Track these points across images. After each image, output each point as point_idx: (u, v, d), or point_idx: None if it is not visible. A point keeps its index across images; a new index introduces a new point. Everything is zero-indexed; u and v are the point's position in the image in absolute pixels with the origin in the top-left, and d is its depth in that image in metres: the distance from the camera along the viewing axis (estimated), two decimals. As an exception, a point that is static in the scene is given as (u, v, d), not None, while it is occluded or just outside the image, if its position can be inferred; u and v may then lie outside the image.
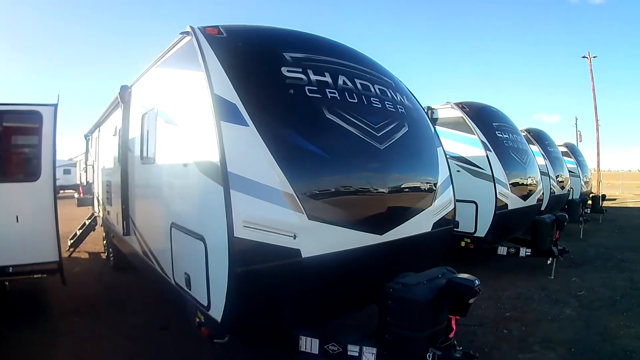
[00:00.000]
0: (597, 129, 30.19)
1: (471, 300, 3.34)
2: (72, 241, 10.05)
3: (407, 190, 4.29)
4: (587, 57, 29.99)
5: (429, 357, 3.25)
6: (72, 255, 9.68)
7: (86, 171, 12.33)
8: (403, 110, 4.50)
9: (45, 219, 5.83)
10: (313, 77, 3.77)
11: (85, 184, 12.25)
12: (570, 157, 17.10)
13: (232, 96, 3.35)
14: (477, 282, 3.32)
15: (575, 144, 22.82)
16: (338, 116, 3.72)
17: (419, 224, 4.36)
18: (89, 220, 10.75)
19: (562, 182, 13.87)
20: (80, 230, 10.50)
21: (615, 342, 5.04)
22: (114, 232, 7.64)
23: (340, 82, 3.94)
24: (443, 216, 4.73)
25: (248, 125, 3.29)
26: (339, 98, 3.83)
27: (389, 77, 4.77)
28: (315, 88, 3.73)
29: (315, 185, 3.52)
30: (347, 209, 3.67)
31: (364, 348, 3.50)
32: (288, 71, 3.68)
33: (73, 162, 23.98)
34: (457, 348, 3.45)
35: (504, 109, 9.35)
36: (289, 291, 3.52)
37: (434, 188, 4.62)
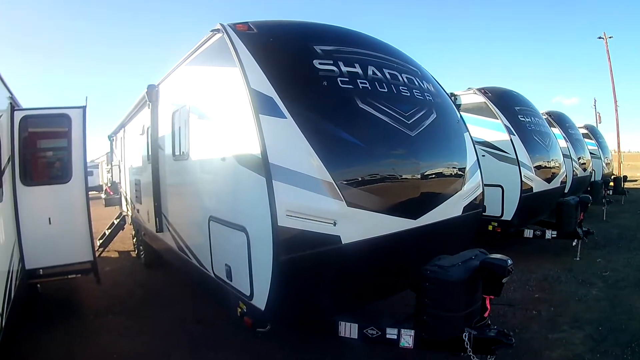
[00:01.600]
0: (616, 110, 29.69)
1: (504, 280, 3.40)
2: (101, 241, 10.19)
3: (438, 175, 4.34)
4: (602, 38, 29.42)
5: (465, 336, 3.33)
6: (102, 255, 9.81)
7: (112, 171, 12.48)
8: (430, 98, 4.55)
9: (78, 220, 5.99)
10: (344, 69, 3.84)
11: (110, 184, 12.40)
12: (591, 139, 16.85)
13: (269, 90, 3.43)
14: (509, 261, 3.38)
15: (595, 126, 22.46)
16: (370, 105, 3.79)
17: (450, 208, 4.42)
18: (118, 220, 10.94)
19: (584, 164, 13.76)
20: (109, 230, 10.68)
21: (642, 321, 5.07)
22: (145, 230, 7.75)
23: (370, 72, 4.00)
24: (472, 200, 4.78)
25: (286, 117, 3.37)
26: (369, 88, 3.90)
27: (415, 66, 4.81)
28: (347, 79, 3.80)
29: (353, 173, 3.58)
30: (382, 195, 3.74)
31: (402, 330, 3.59)
32: (320, 63, 3.75)
33: (95, 164, 24.26)
34: (491, 327, 3.54)
35: (523, 93, 9.32)
36: (330, 277, 3.60)
37: (463, 173, 4.67)
